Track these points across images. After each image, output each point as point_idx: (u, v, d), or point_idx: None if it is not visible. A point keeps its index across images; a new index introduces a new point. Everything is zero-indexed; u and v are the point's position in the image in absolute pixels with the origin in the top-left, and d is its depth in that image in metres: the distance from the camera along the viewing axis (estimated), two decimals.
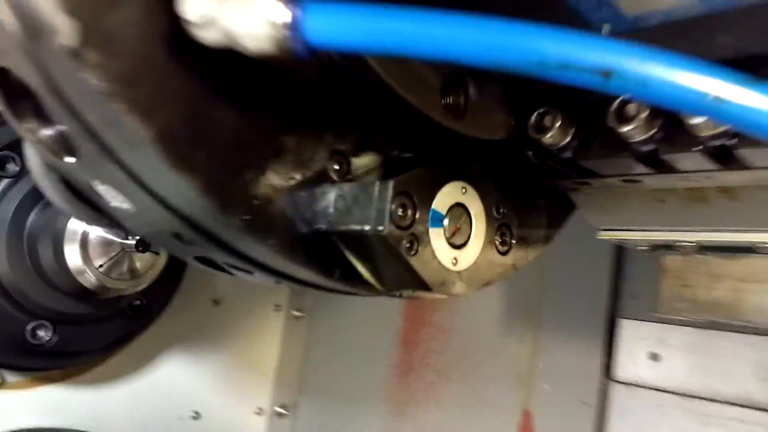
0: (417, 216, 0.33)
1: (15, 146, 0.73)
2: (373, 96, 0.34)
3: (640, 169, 0.43)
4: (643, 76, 0.21)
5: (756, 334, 0.72)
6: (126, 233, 0.64)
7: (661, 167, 0.42)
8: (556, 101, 0.42)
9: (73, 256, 0.65)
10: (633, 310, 0.82)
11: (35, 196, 0.72)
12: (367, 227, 0.32)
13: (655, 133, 0.38)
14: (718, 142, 0.37)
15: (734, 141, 0.37)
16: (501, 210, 0.39)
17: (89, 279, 0.66)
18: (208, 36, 0.25)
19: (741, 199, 0.47)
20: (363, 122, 0.35)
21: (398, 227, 0.32)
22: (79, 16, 0.24)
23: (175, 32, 0.26)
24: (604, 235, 0.57)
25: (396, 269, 0.34)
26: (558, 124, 0.41)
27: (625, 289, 0.84)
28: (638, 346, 0.81)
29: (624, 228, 0.55)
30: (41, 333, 0.74)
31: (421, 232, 0.33)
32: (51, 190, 0.37)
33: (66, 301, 0.73)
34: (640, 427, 0.79)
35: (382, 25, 0.23)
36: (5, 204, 0.71)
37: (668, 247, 0.56)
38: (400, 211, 0.32)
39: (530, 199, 0.47)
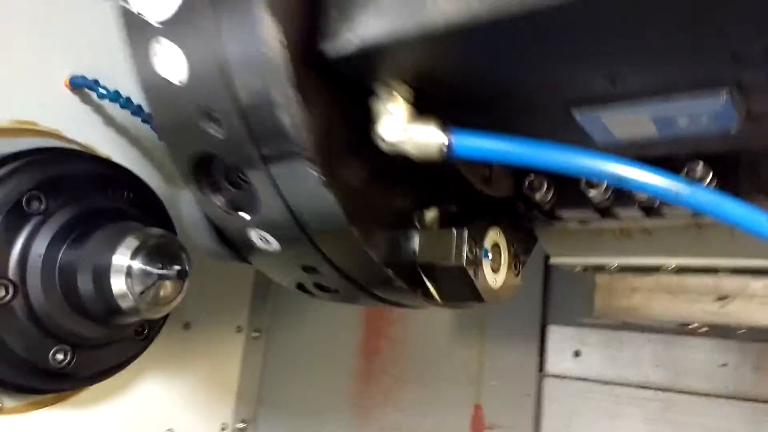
0: (476, 252, 0.51)
1: (40, 187, 0.81)
2: (447, 173, 0.51)
3: (594, 216, 0.64)
4: (641, 182, 0.40)
5: (652, 332, 0.96)
6: (167, 265, 0.76)
7: (608, 215, 0.63)
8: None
9: (118, 284, 0.75)
10: (559, 317, 1.05)
11: (64, 234, 0.80)
12: (450, 261, 0.49)
13: (610, 195, 0.59)
14: (648, 202, 0.59)
15: (657, 201, 0.59)
16: (515, 245, 0.58)
17: (128, 303, 0.76)
18: (392, 149, 0.41)
19: (654, 235, 0.69)
20: (435, 189, 0.53)
21: (468, 260, 0.50)
22: (318, 137, 0.40)
23: (367, 146, 0.42)
24: (555, 260, 0.78)
25: (461, 289, 0.51)
26: (544, 186, 0.61)
27: (552, 301, 1.06)
28: (564, 345, 1.04)
29: (570, 255, 0.76)
30: (61, 356, 0.82)
31: (478, 263, 0.51)
32: (203, 236, 0.50)
33: (90, 326, 0.82)
34: (569, 411, 1.01)
35: (499, 147, 0.40)
36: (39, 241, 0.79)
37: (599, 268, 0.78)
38: (468, 250, 0.50)
39: (517, 236, 0.67)
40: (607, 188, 0.58)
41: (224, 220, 0.49)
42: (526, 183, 0.61)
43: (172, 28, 0.41)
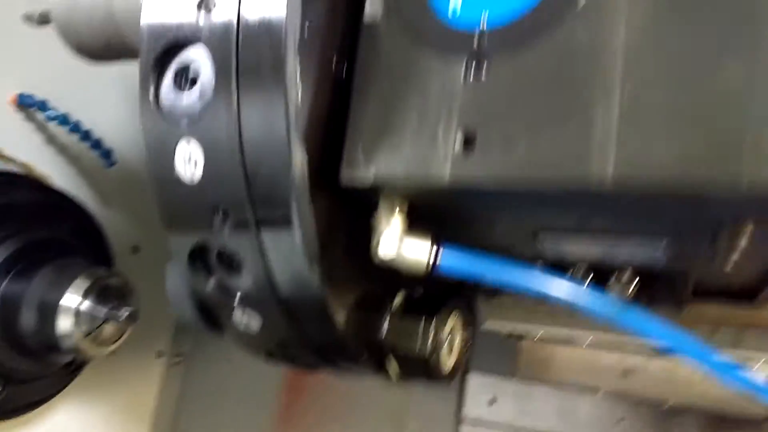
0: (438, 341, 0.57)
1: None
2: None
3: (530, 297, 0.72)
4: (589, 309, 0.48)
5: (557, 387, 1.06)
6: (118, 308, 0.77)
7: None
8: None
9: (64, 324, 0.75)
10: (478, 365, 1.13)
11: (7, 267, 0.79)
12: (414, 351, 0.55)
13: None
14: None
15: None
16: (468, 327, 0.65)
17: (72, 342, 0.76)
18: (382, 263, 0.46)
19: (574, 314, 0.78)
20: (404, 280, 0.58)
21: (430, 351, 0.56)
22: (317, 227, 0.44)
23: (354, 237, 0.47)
24: (488, 326, 0.86)
25: (420, 372, 0.57)
26: None
27: (473, 352, 1.14)
28: (481, 393, 1.13)
29: (501, 322, 0.84)
30: None
31: (439, 350, 0.57)
32: (186, 312, 0.53)
33: (23, 361, 0.81)
34: None
35: (479, 271, 0.47)
36: None
37: (521, 336, 0.87)
38: (432, 339, 0.56)
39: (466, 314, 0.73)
40: None
41: (212, 300, 0.52)
42: None
43: (195, 126, 0.44)
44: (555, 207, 0.41)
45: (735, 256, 0.43)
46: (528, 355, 0.87)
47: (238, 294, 0.50)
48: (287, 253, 0.46)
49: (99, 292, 0.77)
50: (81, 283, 0.76)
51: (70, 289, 0.75)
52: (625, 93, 0.34)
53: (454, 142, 0.39)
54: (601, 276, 0.55)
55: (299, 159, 0.41)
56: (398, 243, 0.46)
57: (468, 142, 0.38)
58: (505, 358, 0.91)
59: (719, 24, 0.33)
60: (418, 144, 0.40)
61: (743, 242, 0.40)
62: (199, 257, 0.50)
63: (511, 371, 0.88)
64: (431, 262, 0.46)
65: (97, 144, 0.98)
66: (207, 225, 0.46)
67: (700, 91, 0.32)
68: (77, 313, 0.75)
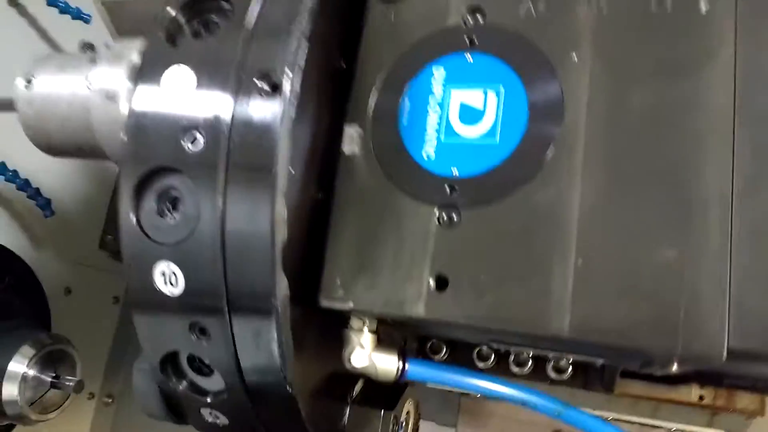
0: (395, 429, 0.61)
1: None
2: None
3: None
4: (539, 407, 0.54)
5: None
6: (59, 375, 0.77)
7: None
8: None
9: (9, 391, 0.74)
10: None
11: None
12: None
13: (492, 365, 0.73)
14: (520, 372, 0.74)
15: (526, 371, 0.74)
16: (419, 407, 0.69)
17: (15, 410, 0.75)
18: (356, 371, 0.50)
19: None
20: None
21: None
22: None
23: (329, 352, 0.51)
24: (433, 384, 0.91)
25: None
26: (443, 349, 0.73)
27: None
28: None
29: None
30: None
31: None
32: (153, 407, 0.55)
33: None
34: None
35: (438, 376, 0.52)
36: None
37: (462, 393, 0.93)
38: (391, 426, 0.60)
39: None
40: (492, 362, 0.72)
41: (180, 399, 0.54)
42: (429, 345, 0.73)
43: (177, 250, 0.46)
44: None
45: (663, 372, 0.50)
46: (468, 409, 0.94)
47: (209, 396, 0.52)
48: (262, 361, 0.48)
49: (45, 359, 0.77)
50: (28, 351, 0.75)
51: (16, 356, 0.74)
52: (579, 258, 0.40)
53: (428, 282, 0.43)
54: (540, 359, 0.62)
55: (283, 287, 0.45)
56: (369, 355, 0.50)
57: (440, 284, 0.43)
58: (447, 411, 0.97)
59: (661, 207, 0.39)
60: (393, 281, 0.44)
61: (670, 369, 0.46)
62: (171, 361, 0.52)
63: (452, 423, 0.94)
64: (399, 371, 0.50)
65: (35, 193, 0.96)
66: (183, 336, 0.49)
67: (641, 266, 0.38)
68: (23, 381, 0.74)
